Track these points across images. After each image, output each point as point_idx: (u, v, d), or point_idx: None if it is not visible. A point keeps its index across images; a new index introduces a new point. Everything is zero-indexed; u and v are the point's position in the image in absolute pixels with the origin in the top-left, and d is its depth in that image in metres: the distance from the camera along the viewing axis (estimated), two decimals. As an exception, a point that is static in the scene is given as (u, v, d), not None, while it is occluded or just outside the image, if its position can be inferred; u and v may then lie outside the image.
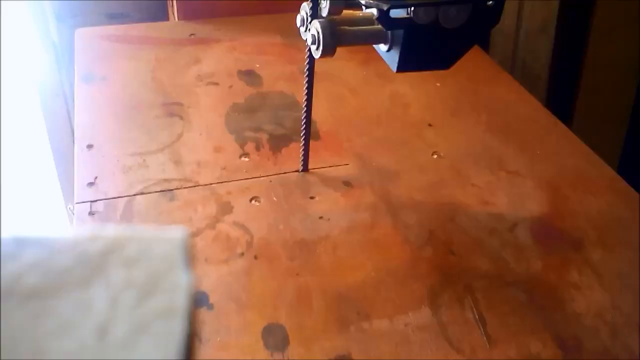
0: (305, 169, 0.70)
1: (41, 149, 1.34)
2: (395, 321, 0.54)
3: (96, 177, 0.67)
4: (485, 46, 1.36)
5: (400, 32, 0.53)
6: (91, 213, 0.63)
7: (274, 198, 0.66)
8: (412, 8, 0.51)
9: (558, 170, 0.72)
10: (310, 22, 0.57)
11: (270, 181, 0.68)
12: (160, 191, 0.66)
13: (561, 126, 0.80)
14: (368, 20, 0.58)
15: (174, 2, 1.01)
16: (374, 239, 0.62)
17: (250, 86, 0.85)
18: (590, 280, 0.58)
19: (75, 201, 0.64)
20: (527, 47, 1.36)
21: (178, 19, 1.02)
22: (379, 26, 0.53)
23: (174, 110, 0.79)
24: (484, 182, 0.70)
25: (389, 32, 0.55)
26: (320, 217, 0.64)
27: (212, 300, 0.54)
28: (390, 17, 0.51)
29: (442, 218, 0.65)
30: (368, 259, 0.59)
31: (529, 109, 0.83)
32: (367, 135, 0.76)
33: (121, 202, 0.65)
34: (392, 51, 0.56)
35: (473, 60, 0.91)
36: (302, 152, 0.69)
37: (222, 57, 0.91)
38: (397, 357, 0.51)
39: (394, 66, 0.56)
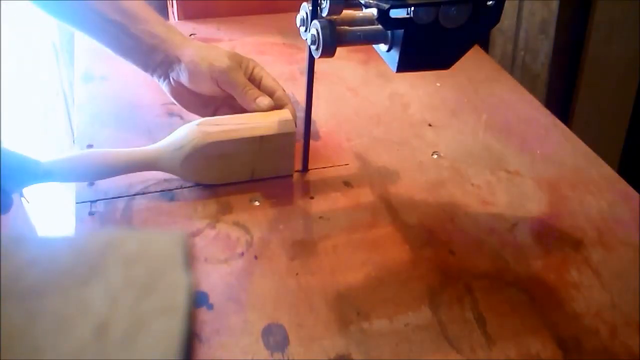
0: (305, 169, 0.70)
1: (41, 149, 1.34)
2: (395, 321, 0.54)
3: (96, 177, 0.67)
4: (485, 46, 1.36)
5: (400, 32, 0.53)
6: (91, 213, 0.63)
7: (274, 198, 0.66)
8: (412, 8, 0.51)
9: (558, 170, 0.72)
10: (310, 22, 0.57)
11: (271, 181, 0.68)
12: (160, 191, 0.66)
13: (561, 126, 0.80)
14: (368, 20, 0.58)
15: (174, 2, 1.02)
16: (374, 239, 0.62)
17: (250, 86, 0.85)
18: (590, 280, 0.58)
19: (75, 201, 0.64)
20: (527, 47, 1.36)
21: (178, 19, 1.02)
22: (379, 26, 0.53)
23: (173, 110, 0.79)
24: (484, 182, 0.70)
25: (389, 32, 0.55)
26: (320, 217, 0.64)
27: (212, 300, 0.54)
28: (390, 17, 0.51)
29: (442, 218, 0.65)
30: (368, 259, 0.59)
31: (529, 109, 0.83)
32: (367, 135, 0.76)
33: (121, 202, 0.65)
34: (392, 51, 0.56)
35: (473, 60, 0.91)
36: (302, 152, 0.69)
37: (222, 57, 0.91)
38: (397, 357, 0.51)
39: (394, 66, 0.56)
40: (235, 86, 0.68)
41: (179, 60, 0.69)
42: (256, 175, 0.67)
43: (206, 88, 0.69)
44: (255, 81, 0.70)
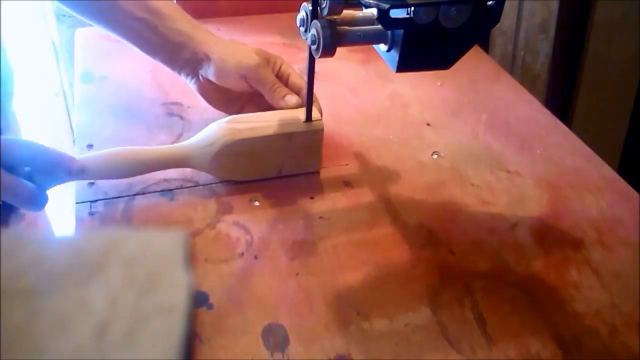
0: (305, 169, 0.70)
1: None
2: (395, 321, 0.54)
3: (96, 177, 0.67)
4: (485, 46, 1.36)
5: (400, 32, 0.53)
6: (91, 213, 0.63)
7: (274, 198, 0.66)
8: (412, 8, 0.51)
9: (558, 170, 0.72)
10: (310, 22, 0.57)
11: (271, 181, 0.68)
12: (160, 191, 0.66)
13: (561, 126, 0.80)
14: (368, 20, 0.58)
15: (174, 2, 1.01)
16: (374, 239, 0.62)
17: (250, 86, 0.85)
18: (590, 280, 0.58)
19: (75, 201, 0.64)
20: (527, 47, 1.36)
21: (178, 19, 1.02)
22: (379, 26, 0.53)
23: (173, 109, 0.79)
24: (484, 182, 0.70)
25: (389, 32, 0.55)
26: (320, 217, 0.64)
27: (212, 300, 0.54)
28: (390, 17, 0.51)
29: (442, 218, 0.65)
30: (368, 259, 0.59)
31: (529, 109, 0.83)
32: (367, 135, 0.76)
33: (121, 202, 0.65)
34: (392, 51, 0.56)
35: (473, 60, 0.91)
36: (302, 152, 0.69)
37: (222, 57, 0.91)
38: (397, 357, 0.51)
39: (393, 66, 0.56)
40: (264, 83, 0.68)
41: (207, 57, 0.69)
42: (284, 171, 0.68)
43: (234, 85, 0.69)
44: (282, 78, 0.70)
